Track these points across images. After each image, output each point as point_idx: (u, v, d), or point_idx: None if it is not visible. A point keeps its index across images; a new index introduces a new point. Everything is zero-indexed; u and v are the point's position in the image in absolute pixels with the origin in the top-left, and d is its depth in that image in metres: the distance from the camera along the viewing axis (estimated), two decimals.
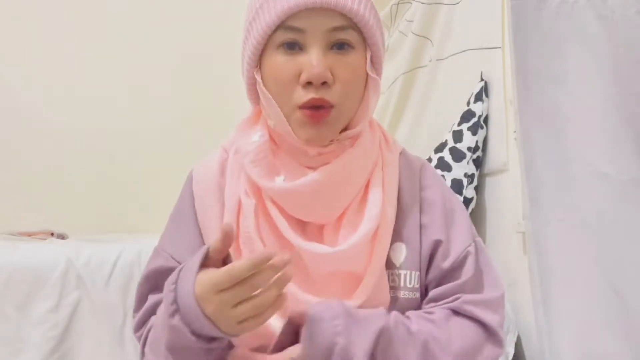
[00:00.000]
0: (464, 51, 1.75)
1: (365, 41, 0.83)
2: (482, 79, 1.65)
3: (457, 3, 1.81)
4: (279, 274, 0.68)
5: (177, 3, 2.66)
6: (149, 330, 0.83)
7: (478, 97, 1.63)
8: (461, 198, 1.57)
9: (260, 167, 0.85)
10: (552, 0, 0.84)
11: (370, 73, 0.84)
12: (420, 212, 0.88)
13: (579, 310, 0.82)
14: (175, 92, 2.58)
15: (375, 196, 0.85)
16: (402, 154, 0.93)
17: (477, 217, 1.65)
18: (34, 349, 1.19)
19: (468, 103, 1.65)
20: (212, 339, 0.73)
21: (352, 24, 0.81)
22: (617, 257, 0.80)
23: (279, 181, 0.84)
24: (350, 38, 0.80)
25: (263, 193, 0.85)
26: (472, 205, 1.61)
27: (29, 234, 1.82)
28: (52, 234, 1.89)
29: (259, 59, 0.84)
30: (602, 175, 0.81)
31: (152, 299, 0.86)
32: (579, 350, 0.81)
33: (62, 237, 1.87)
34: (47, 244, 1.51)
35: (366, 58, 0.83)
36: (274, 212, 0.83)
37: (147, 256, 1.19)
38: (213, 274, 0.69)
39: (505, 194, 1.56)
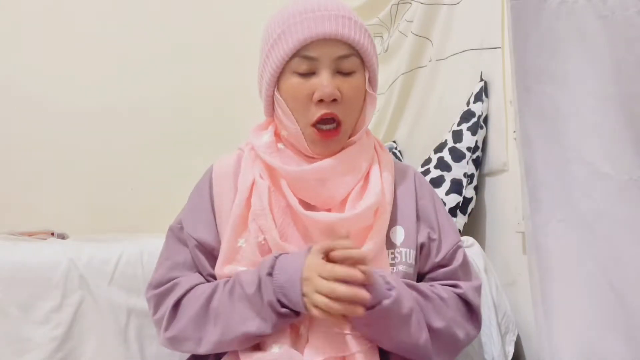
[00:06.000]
0: (464, 51, 1.75)
1: (363, 64, 1.01)
2: (482, 79, 1.65)
3: (457, 3, 1.81)
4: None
5: None
6: (186, 292, 0.98)
7: (478, 97, 1.63)
8: (461, 198, 1.57)
9: (275, 158, 1.01)
10: (552, 0, 0.84)
11: (368, 90, 1.02)
12: (417, 205, 1.06)
13: (579, 310, 0.82)
14: (177, 93, 2.57)
15: (375, 181, 1.02)
16: (394, 160, 1.10)
17: (477, 217, 1.65)
18: (37, 349, 1.19)
19: (468, 103, 1.66)
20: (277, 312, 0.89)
21: (354, 51, 0.99)
22: (617, 257, 0.80)
23: (291, 167, 1.00)
24: (353, 65, 0.99)
25: (278, 175, 1.01)
26: (472, 205, 1.61)
27: (30, 234, 1.82)
28: (52, 234, 1.89)
29: (276, 80, 1.00)
30: (602, 175, 0.81)
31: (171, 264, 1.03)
32: (579, 350, 0.81)
33: (62, 237, 1.87)
34: (48, 243, 1.51)
35: (365, 78, 1.01)
36: (287, 191, 0.99)
37: (149, 256, 1.22)
38: (321, 264, 0.87)
39: (505, 194, 1.56)
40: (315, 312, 0.86)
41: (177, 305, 0.99)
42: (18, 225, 2.00)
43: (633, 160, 0.79)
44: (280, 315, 0.90)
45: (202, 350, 0.96)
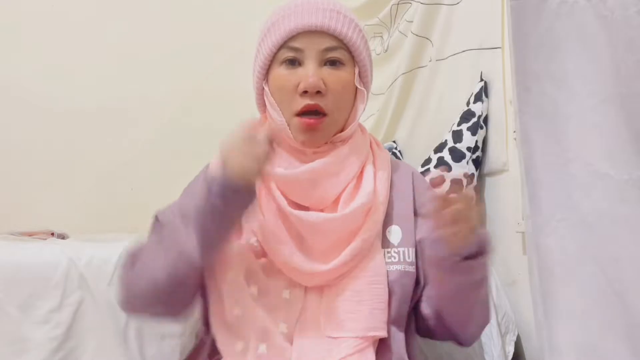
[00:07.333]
0: (464, 51, 1.75)
1: (353, 59, 1.00)
2: (482, 79, 1.65)
3: (457, 3, 1.81)
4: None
5: None
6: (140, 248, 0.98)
7: (478, 97, 1.63)
8: None
9: None
10: (552, 1, 0.84)
11: (358, 86, 1.00)
12: (414, 203, 1.04)
13: (579, 310, 0.82)
14: (177, 92, 2.57)
15: (367, 181, 1.00)
16: (391, 159, 1.09)
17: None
18: (37, 349, 1.19)
19: (468, 103, 1.66)
20: (224, 196, 0.85)
21: (342, 44, 0.98)
22: (617, 257, 0.80)
23: (281, 170, 0.98)
24: (340, 56, 0.98)
25: (268, 177, 0.98)
26: None
27: (30, 234, 1.82)
28: (52, 234, 1.89)
29: (266, 73, 1.01)
30: (602, 175, 0.81)
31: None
32: (579, 350, 0.81)
33: (62, 237, 1.87)
34: (48, 243, 1.51)
35: (354, 73, 0.99)
36: (277, 193, 0.97)
37: None
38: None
39: (505, 194, 1.56)
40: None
41: (133, 260, 0.97)
42: (18, 225, 2.00)
43: (633, 160, 0.79)
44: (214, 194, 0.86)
45: (161, 279, 0.90)
